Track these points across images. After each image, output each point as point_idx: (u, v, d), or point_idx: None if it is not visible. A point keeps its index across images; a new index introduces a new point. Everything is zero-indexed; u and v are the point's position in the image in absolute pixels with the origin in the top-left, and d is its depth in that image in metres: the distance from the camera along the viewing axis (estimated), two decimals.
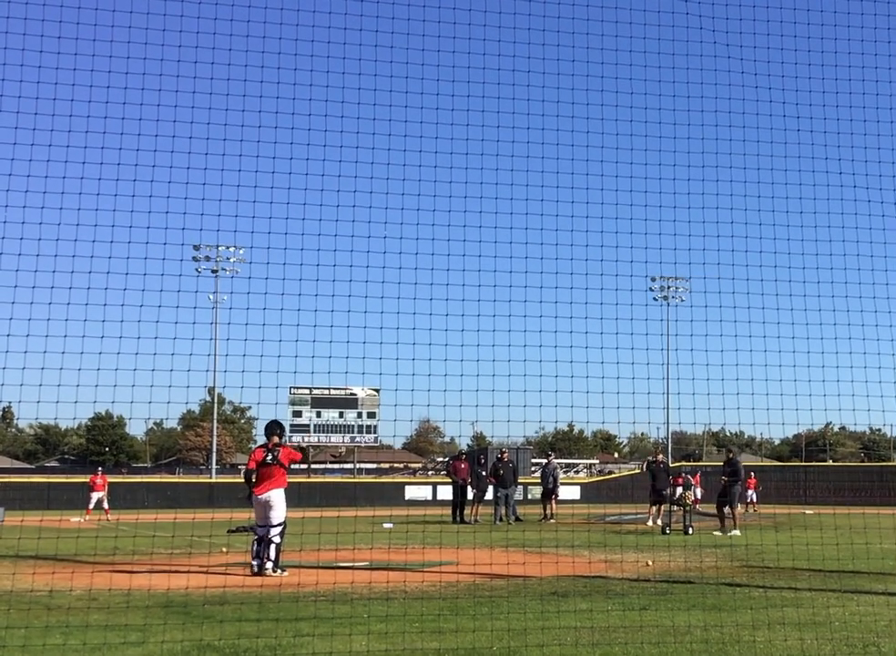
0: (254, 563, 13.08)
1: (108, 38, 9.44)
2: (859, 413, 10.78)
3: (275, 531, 13.11)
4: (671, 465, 44.22)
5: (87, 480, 35.50)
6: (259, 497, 13.20)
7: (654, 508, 25.87)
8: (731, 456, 23.88)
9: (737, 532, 21.34)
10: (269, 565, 12.93)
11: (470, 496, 28.85)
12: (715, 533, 21.32)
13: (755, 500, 40.17)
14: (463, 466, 29.17)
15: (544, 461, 33.51)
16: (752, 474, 42.32)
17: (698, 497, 39.76)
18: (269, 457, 13.32)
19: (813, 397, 10.47)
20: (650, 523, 25.10)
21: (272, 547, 13.07)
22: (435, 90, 10.28)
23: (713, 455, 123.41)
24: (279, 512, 13.25)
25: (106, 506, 33.23)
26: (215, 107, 9.74)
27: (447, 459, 59.24)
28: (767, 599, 10.20)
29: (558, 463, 40.33)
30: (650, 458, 28.86)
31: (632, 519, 26.96)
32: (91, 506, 33.20)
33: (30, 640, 7.81)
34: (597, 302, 10.19)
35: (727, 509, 22.42)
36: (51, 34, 9.26)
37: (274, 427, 13.60)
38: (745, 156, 11.04)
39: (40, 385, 8.80)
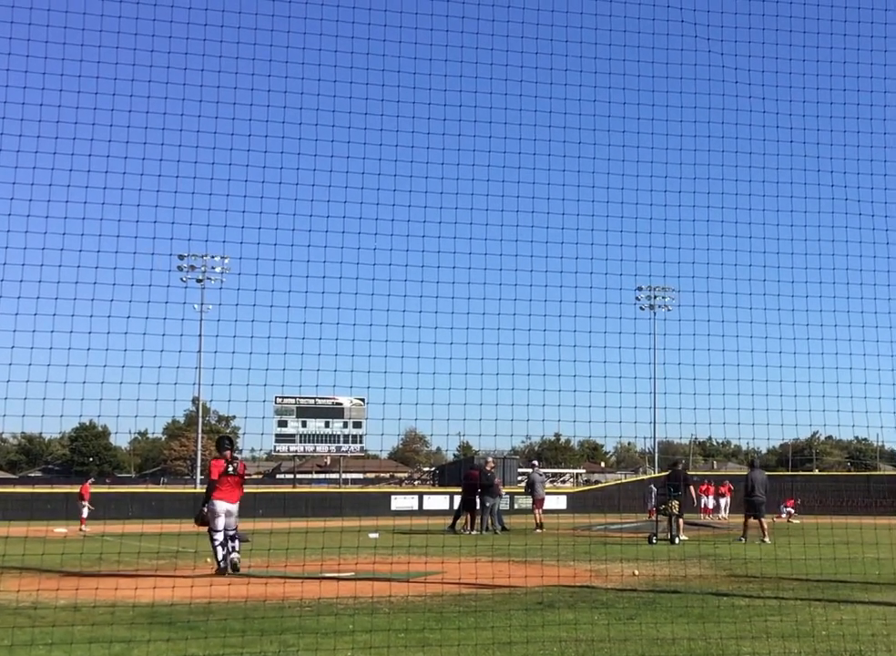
0: (234, 557, 14.22)
1: (97, 41, 9.47)
2: (848, 419, 10.94)
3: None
4: (657, 474, 44.04)
5: (78, 489, 35.18)
6: (232, 505, 14.25)
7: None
8: (679, 467, 24.15)
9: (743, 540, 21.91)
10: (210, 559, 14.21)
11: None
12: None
13: (710, 506, 41.00)
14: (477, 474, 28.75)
15: (529, 470, 33.46)
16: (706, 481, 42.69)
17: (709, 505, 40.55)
18: (231, 469, 14.43)
19: (809, 401, 10.65)
20: None
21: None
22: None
23: (699, 464, 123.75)
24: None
25: (84, 515, 32.73)
26: (204, 114, 9.77)
27: (433, 469, 58.96)
28: (752, 609, 10.22)
29: (544, 472, 40.43)
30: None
31: (618, 529, 26.97)
32: (85, 515, 32.73)
33: (14, 653, 7.75)
34: (586, 301, 10.33)
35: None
36: (53, 39, 9.27)
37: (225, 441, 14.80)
38: (737, 167, 11.14)
39: (24, 399, 8.83)
